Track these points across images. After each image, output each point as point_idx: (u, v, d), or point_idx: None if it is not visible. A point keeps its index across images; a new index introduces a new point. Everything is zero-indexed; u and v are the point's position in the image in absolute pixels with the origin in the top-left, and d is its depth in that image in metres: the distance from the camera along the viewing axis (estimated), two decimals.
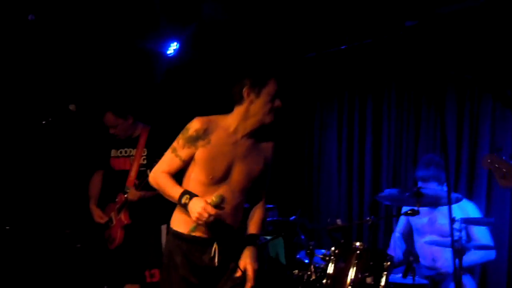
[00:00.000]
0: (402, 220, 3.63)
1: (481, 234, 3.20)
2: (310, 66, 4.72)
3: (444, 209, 3.28)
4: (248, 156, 2.24)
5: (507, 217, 3.56)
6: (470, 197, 3.69)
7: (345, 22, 4.03)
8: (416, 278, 2.99)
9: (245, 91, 2.20)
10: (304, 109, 4.89)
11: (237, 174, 2.22)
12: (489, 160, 2.31)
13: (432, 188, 3.18)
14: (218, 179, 2.19)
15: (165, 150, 2.90)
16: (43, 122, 3.11)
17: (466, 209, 3.25)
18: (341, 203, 4.54)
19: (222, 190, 2.17)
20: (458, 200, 3.03)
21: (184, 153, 2.20)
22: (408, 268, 2.98)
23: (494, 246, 3.18)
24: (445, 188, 3.28)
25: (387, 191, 3.25)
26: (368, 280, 2.75)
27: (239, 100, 2.22)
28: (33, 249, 3.74)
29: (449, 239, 2.90)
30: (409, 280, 2.99)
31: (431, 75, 3.97)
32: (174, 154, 2.22)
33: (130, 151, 3.37)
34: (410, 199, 2.98)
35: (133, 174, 3.30)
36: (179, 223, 2.26)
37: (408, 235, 3.61)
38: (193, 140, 2.17)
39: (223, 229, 2.21)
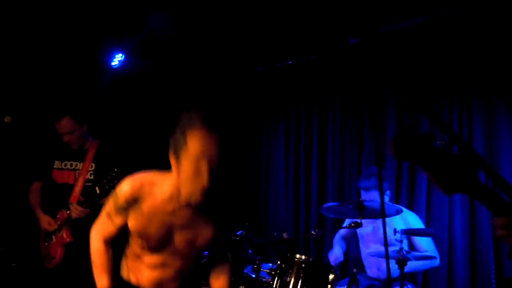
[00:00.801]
0: (341, 233, 3.70)
1: (423, 244, 3.30)
2: (258, 80, 4.77)
3: (387, 219, 3.38)
4: (191, 226, 1.94)
5: (446, 225, 3.69)
6: (411, 206, 3.81)
7: (292, 38, 4.11)
8: None
9: (170, 157, 1.82)
10: (251, 123, 4.92)
11: (179, 242, 1.96)
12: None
13: (374, 199, 3.27)
14: (154, 248, 1.96)
15: (113, 166, 2.85)
16: None
17: (407, 219, 3.36)
18: (288, 216, 4.57)
19: (164, 255, 1.97)
20: (399, 212, 3.12)
21: (117, 220, 1.97)
22: (352, 280, 3.03)
23: (436, 256, 3.28)
24: (386, 198, 3.39)
25: (329, 204, 3.31)
26: None
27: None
28: None
29: (392, 248, 2.99)
30: None
31: (370, 92, 4.12)
32: (109, 220, 1.99)
33: (76, 165, 3.21)
34: (353, 211, 3.05)
35: (77, 189, 3.14)
36: (128, 271, 2.10)
37: (351, 238, 3.68)
38: (124, 209, 1.93)
39: None
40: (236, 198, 4.83)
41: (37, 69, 3.94)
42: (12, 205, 3.61)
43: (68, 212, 3.11)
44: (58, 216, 3.19)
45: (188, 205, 1.86)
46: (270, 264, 3.05)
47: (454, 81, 3.76)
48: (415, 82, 3.87)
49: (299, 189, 4.53)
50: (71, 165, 3.23)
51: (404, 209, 3.27)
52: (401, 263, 2.93)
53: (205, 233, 1.98)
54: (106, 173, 2.88)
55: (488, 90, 3.65)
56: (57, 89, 3.99)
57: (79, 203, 3.07)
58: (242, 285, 3.08)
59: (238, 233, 3.49)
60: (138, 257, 2.03)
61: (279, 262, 2.91)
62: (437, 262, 3.30)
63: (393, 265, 3.06)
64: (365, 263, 3.53)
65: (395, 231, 3.08)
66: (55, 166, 3.24)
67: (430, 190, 3.81)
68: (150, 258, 2.00)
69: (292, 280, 2.81)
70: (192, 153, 1.74)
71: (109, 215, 1.99)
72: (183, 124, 1.77)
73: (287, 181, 4.63)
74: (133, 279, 2.07)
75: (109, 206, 1.99)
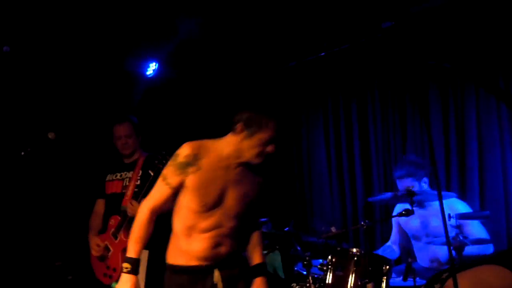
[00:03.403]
0: (394, 229, 3.59)
1: (476, 229, 3.16)
2: (292, 76, 4.70)
3: (434, 209, 3.25)
4: (242, 181, 2.19)
5: (502, 208, 3.53)
6: (463, 193, 3.66)
7: (322, 28, 4.03)
8: (417, 279, 2.93)
9: (238, 126, 2.13)
10: (289, 120, 4.86)
11: (231, 199, 2.16)
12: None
13: (420, 186, 3.17)
14: (210, 206, 2.13)
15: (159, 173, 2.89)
16: (22, 153, 3.02)
17: (456, 207, 3.21)
18: (334, 211, 4.48)
19: (216, 216, 2.14)
20: (447, 196, 3.00)
21: (174, 180, 2.14)
22: (407, 270, 2.92)
23: (491, 239, 3.13)
24: (424, 186, 3.28)
25: (378, 198, 3.22)
26: (369, 286, 2.70)
27: (233, 129, 2.16)
28: (24, 282, 3.62)
29: (443, 237, 2.86)
30: (410, 282, 2.92)
31: (411, 72, 3.98)
32: (164, 182, 2.16)
33: (126, 174, 3.28)
34: (403, 198, 2.94)
35: (129, 193, 3.16)
36: (176, 255, 2.22)
37: (403, 241, 3.56)
38: (183, 167, 2.11)
39: (222, 254, 2.18)
40: (281, 197, 4.79)
41: (72, 83, 4.03)
42: (67, 219, 3.68)
43: (121, 215, 3.11)
44: (110, 224, 3.19)
45: (241, 164, 2.16)
46: (320, 260, 2.99)
47: (498, 61, 3.57)
48: (456, 63, 3.71)
49: (344, 182, 4.42)
50: (121, 175, 3.30)
51: (452, 197, 3.15)
52: (459, 249, 2.80)
53: (252, 190, 2.21)
54: (155, 158, 2.95)
55: None
56: (93, 102, 4.08)
57: (135, 199, 3.04)
58: (294, 283, 3.03)
59: (285, 229, 3.46)
60: (191, 228, 2.15)
61: (330, 257, 2.84)
62: (491, 248, 3.15)
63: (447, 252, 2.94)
64: (418, 256, 3.41)
65: (449, 216, 2.95)
66: (107, 179, 3.33)
67: (482, 172, 3.64)
68: (205, 222, 2.13)
69: (346, 274, 2.74)
70: (263, 137, 2.10)
71: (164, 178, 2.15)
72: (264, 110, 2.13)
73: (330, 175, 4.54)
74: (182, 260, 2.18)
75: (166, 170, 2.16)
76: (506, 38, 3.51)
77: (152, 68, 4.31)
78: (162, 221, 2.98)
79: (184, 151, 2.13)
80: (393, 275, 3.02)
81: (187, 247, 2.17)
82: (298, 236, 3.55)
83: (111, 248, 3.15)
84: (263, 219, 3.75)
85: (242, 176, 2.18)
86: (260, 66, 4.62)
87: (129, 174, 3.25)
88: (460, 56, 3.68)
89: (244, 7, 3.76)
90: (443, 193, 2.96)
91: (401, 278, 2.97)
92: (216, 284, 2.15)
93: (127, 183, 3.22)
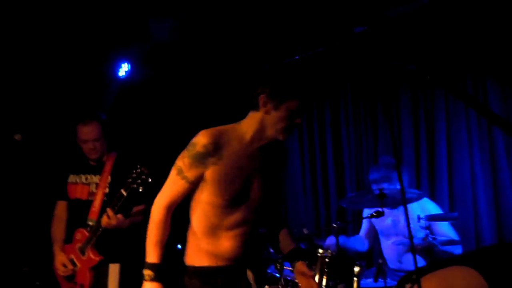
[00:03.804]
0: (365, 222, 3.62)
1: (445, 230, 3.21)
2: (266, 78, 4.70)
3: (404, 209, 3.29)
4: (265, 169, 1.96)
5: (470, 210, 3.61)
6: (432, 193, 3.73)
7: (297, 32, 4.06)
8: (388, 280, 2.96)
9: (261, 98, 1.88)
10: None
11: (257, 190, 1.94)
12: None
13: (393, 188, 3.20)
14: (236, 200, 1.90)
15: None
16: None
17: (426, 208, 3.26)
18: (308, 213, 4.50)
19: (242, 210, 1.92)
20: (420, 197, 3.04)
21: (192, 174, 1.88)
22: (378, 271, 2.96)
23: (459, 240, 3.19)
24: (398, 187, 3.31)
25: (349, 195, 3.24)
26: (340, 287, 2.71)
27: (254, 106, 1.92)
28: None
29: (414, 239, 2.90)
30: (380, 283, 2.96)
31: (382, 76, 4.04)
32: (180, 177, 1.90)
33: (91, 178, 2.94)
34: (373, 201, 2.97)
35: (97, 203, 2.85)
36: (201, 257, 1.97)
37: (373, 237, 3.59)
38: (202, 158, 1.85)
39: (251, 252, 1.99)
40: None
41: (42, 83, 3.92)
42: (34, 223, 3.55)
43: (88, 230, 2.83)
44: (76, 238, 2.88)
45: (263, 146, 1.94)
46: None
47: (467, 63, 3.67)
48: (425, 66, 3.78)
49: (317, 184, 4.45)
50: (86, 178, 2.97)
51: (423, 197, 3.19)
52: (428, 250, 2.85)
53: (275, 178, 2.03)
54: (128, 172, 2.67)
55: (504, 70, 3.55)
56: (64, 103, 3.97)
57: (111, 208, 2.72)
58: (267, 285, 3.01)
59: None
60: (216, 226, 1.93)
61: None
62: (459, 248, 3.21)
63: (417, 257, 2.98)
64: (386, 256, 3.44)
65: (419, 218, 3.00)
66: (69, 181, 2.98)
67: (451, 173, 3.72)
68: (231, 218, 1.92)
69: (317, 275, 2.74)
70: (291, 106, 1.86)
71: (180, 172, 1.90)
72: (292, 76, 1.90)
73: (303, 177, 4.56)
74: (206, 261, 1.95)
75: (181, 161, 1.90)
76: (474, 42, 3.60)
77: (124, 69, 4.26)
78: (133, 232, 2.88)
79: (202, 139, 1.86)
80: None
81: (213, 247, 1.93)
82: (270, 238, 3.55)
83: (78, 264, 2.87)
84: None
85: (265, 163, 1.96)
86: (233, 68, 4.62)
87: (96, 179, 2.93)
88: (430, 60, 3.75)
89: (218, 10, 3.76)
90: (415, 191, 3.02)
91: (372, 279, 3.01)
92: (251, 284, 1.95)
93: (94, 190, 2.90)
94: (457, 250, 3.21)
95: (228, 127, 1.94)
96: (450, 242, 3.09)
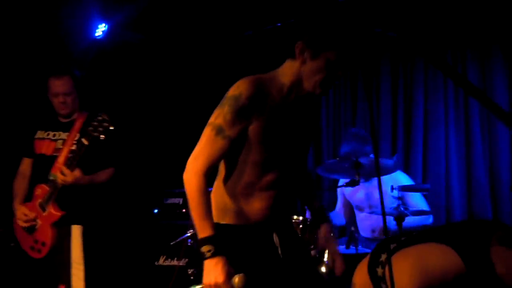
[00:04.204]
0: (339, 200, 3.66)
1: (416, 201, 3.28)
2: (247, 44, 4.65)
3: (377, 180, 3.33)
4: (303, 124, 1.83)
5: (442, 183, 3.69)
6: (406, 165, 3.79)
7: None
8: (359, 247, 3.03)
9: (297, 46, 1.71)
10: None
11: (295, 148, 1.81)
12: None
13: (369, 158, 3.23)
14: (274, 158, 1.74)
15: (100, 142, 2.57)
16: None
17: (398, 179, 3.31)
18: None
19: (278, 169, 1.76)
20: (396, 166, 3.07)
21: (235, 131, 1.67)
22: (350, 239, 3.02)
23: (430, 211, 3.27)
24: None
25: (327, 163, 3.26)
26: (312, 253, 2.75)
27: (292, 54, 1.75)
28: None
29: (389, 206, 2.96)
30: (352, 250, 3.02)
31: (363, 46, 4.02)
32: (220, 136, 1.67)
33: (59, 135, 2.84)
34: (350, 170, 3.00)
35: (61, 160, 2.72)
36: (224, 215, 1.79)
37: (349, 211, 3.65)
38: (247, 112, 1.66)
39: (280, 214, 1.84)
40: None
41: (14, 37, 3.76)
42: (3, 182, 3.44)
43: (49, 185, 2.72)
44: (36, 193, 2.78)
45: (301, 98, 1.79)
46: None
47: (446, 32, 3.69)
48: (406, 34, 3.78)
49: None
50: (54, 135, 2.86)
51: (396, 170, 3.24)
52: (399, 219, 2.91)
53: (311, 130, 1.90)
54: (91, 120, 2.57)
55: (483, 46, 3.58)
56: (37, 59, 3.82)
57: (66, 165, 2.63)
58: None
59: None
60: (250, 186, 1.76)
61: None
62: (430, 218, 3.29)
63: (389, 224, 3.05)
64: (359, 225, 3.49)
65: (392, 188, 3.05)
66: (36, 136, 2.87)
67: (426, 146, 3.78)
68: (267, 177, 1.75)
69: None
70: (331, 56, 1.68)
71: (220, 131, 1.67)
72: (333, 28, 1.71)
73: None
74: (231, 219, 1.78)
75: (220, 119, 1.68)
76: (456, 14, 3.61)
77: (101, 29, 4.13)
78: (98, 194, 2.85)
79: (246, 91, 1.66)
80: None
81: (244, 207, 1.76)
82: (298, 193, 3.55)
83: (39, 221, 2.76)
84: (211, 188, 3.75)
85: (302, 114, 1.81)
86: (217, 33, 4.54)
87: (64, 136, 2.82)
88: (412, 29, 3.75)
89: None
90: (391, 161, 3.05)
91: (344, 246, 3.07)
92: (277, 248, 1.80)
93: (60, 146, 2.79)
94: (428, 220, 3.29)
95: (267, 76, 1.76)
96: (421, 212, 3.17)
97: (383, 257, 1.95)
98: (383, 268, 1.92)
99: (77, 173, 2.65)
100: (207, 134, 1.70)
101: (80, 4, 3.84)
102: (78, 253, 2.74)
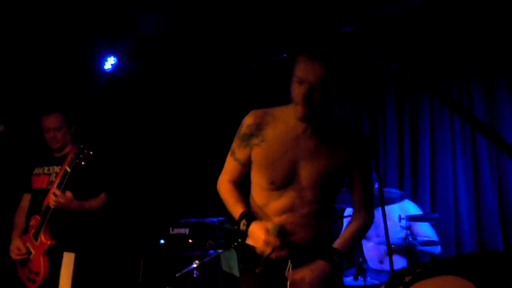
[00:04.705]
0: (346, 222, 3.62)
1: (425, 230, 3.24)
2: (252, 75, 4.71)
3: (386, 210, 3.30)
4: (317, 153, 1.81)
5: (451, 211, 3.64)
6: (414, 194, 3.76)
7: (285, 30, 4.05)
8: (368, 279, 2.98)
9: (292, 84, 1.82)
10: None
11: (305, 177, 1.81)
12: None
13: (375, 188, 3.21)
14: (280, 183, 1.81)
15: (88, 169, 2.69)
16: None
17: (407, 208, 3.29)
18: None
19: (288, 196, 1.81)
20: (403, 197, 3.06)
21: (241, 154, 1.89)
22: (358, 270, 2.97)
23: (439, 241, 3.23)
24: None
25: None
26: None
27: None
28: None
29: (397, 236, 2.92)
30: (360, 282, 2.97)
31: (368, 76, 4.06)
32: (233, 158, 1.93)
33: (53, 169, 2.97)
34: None
35: (53, 190, 2.80)
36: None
37: None
38: (247, 138, 1.86)
39: (296, 244, 1.81)
40: None
41: (27, 74, 3.87)
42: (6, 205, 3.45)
43: (41, 215, 2.80)
44: (31, 224, 2.88)
45: (310, 129, 1.81)
46: None
47: (452, 63, 3.71)
48: (408, 66, 3.81)
49: None
50: (48, 169, 3.00)
51: (406, 196, 3.21)
52: (409, 250, 2.87)
53: (330, 165, 1.81)
54: (77, 148, 2.71)
55: (487, 70, 3.60)
56: (49, 95, 3.92)
57: (58, 188, 2.74)
58: None
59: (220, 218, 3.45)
60: (263, 207, 1.86)
61: None
62: (439, 248, 3.24)
63: (398, 256, 3.00)
64: (367, 256, 3.44)
65: (400, 218, 3.02)
66: (34, 172, 3.04)
67: (433, 175, 3.76)
68: (276, 202, 1.83)
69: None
70: (295, 72, 1.75)
71: (232, 153, 1.93)
72: (305, 49, 1.80)
73: None
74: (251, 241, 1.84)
75: (234, 143, 1.93)
76: (461, 45, 3.64)
77: (110, 62, 4.22)
78: (89, 221, 2.88)
79: (247, 120, 1.87)
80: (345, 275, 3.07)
81: None
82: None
83: (32, 251, 2.83)
84: (220, 218, 3.74)
85: (317, 147, 1.81)
86: (222, 64, 4.61)
87: (57, 169, 2.94)
88: (416, 61, 3.78)
89: (207, 5, 3.74)
90: (397, 192, 3.02)
91: (352, 277, 3.02)
92: (287, 278, 1.77)
93: (53, 179, 2.90)
94: (436, 250, 3.24)
95: (277, 108, 1.89)
96: (430, 242, 3.12)
97: None
98: None
99: (68, 194, 2.74)
100: (228, 154, 1.97)
101: (89, 38, 3.93)
102: (66, 282, 2.75)
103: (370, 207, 1.93)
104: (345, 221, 3.60)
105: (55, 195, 2.72)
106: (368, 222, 1.93)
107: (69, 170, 2.72)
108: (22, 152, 3.51)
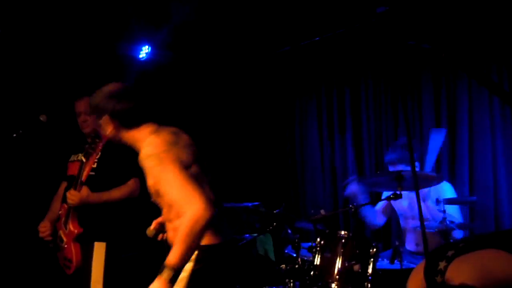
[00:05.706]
0: (383, 202, 3.60)
1: (453, 213, 3.19)
2: (285, 60, 4.70)
3: (422, 193, 3.28)
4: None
5: (491, 195, 3.57)
6: (452, 177, 3.70)
7: (317, 13, 4.01)
8: (404, 262, 2.97)
9: None
10: (283, 104, 4.88)
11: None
12: None
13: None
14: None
15: (117, 157, 2.75)
16: (14, 135, 2.89)
17: (443, 190, 3.24)
18: (326, 195, 4.52)
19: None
20: (440, 179, 3.01)
21: None
22: (394, 253, 2.96)
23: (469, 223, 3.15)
24: (417, 169, 3.29)
25: (368, 177, 3.24)
26: (356, 268, 2.73)
27: None
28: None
29: (431, 221, 2.89)
30: (396, 265, 2.97)
31: (403, 58, 3.98)
32: None
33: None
34: (392, 183, 2.97)
35: (83, 178, 2.84)
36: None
37: (388, 214, 3.58)
38: None
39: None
40: (273, 180, 4.82)
41: (65, 65, 3.97)
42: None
43: (67, 203, 2.83)
44: (60, 212, 2.92)
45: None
46: (310, 243, 3.02)
47: (491, 43, 3.58)
48: (441, 45, 3.71)
49: (335, 166, 4.46)
50: (79, 156, 3.00)
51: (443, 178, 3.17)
52: (445, 233, 2.84)
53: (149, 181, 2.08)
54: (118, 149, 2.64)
55: None
56: (86, 83, 4.02)
57: (73, 186, 2.78)
58: (284, 264, 3.06)
59: (276, 211, 3.47)
60: None
61: (318, 239, 2.88)
62: (467, 232, 3.19)
63: (434, 238, 2.97)
64: (405, 237, 3.44)
65: (437, 201, 2.98)
66: (70, 160, 3.07)
67: (472, 157, 3.67)
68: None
69: (334, 256, 2.78)
70: None
71: None
72: None
73: (322, 159, 4.57)
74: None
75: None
76: (501, 28, 3.51)
77: (145, 51, 4.29)
78: (118, 209, 2.88)
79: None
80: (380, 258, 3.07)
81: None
82: (288, 219, 3.58)
83: (64, 238, 2.87)
84: (255, 203, 3.79)
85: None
86: (254, 50, 4.62)
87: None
88: (454, 43, 3.68)
89: None
90: (434, 174, 2.98)
91: (387, 261, 3.02)
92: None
93: (84, 166, 2.91)
94: (460, 234, 3.19)
95: None
96: (465, 225, 3.07)
97: (442, 265, 1.88)
98: (442, 277, 1.86)
99: (83, 192, 2.78)
100: None
101: (124, 27, 4.01)
102: (98, 272, 2.77)
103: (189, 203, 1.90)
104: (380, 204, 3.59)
105: (70, 193, 2.75)
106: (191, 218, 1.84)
107: (84, 160, 2.79)
108: (62, 140, 3.60)
